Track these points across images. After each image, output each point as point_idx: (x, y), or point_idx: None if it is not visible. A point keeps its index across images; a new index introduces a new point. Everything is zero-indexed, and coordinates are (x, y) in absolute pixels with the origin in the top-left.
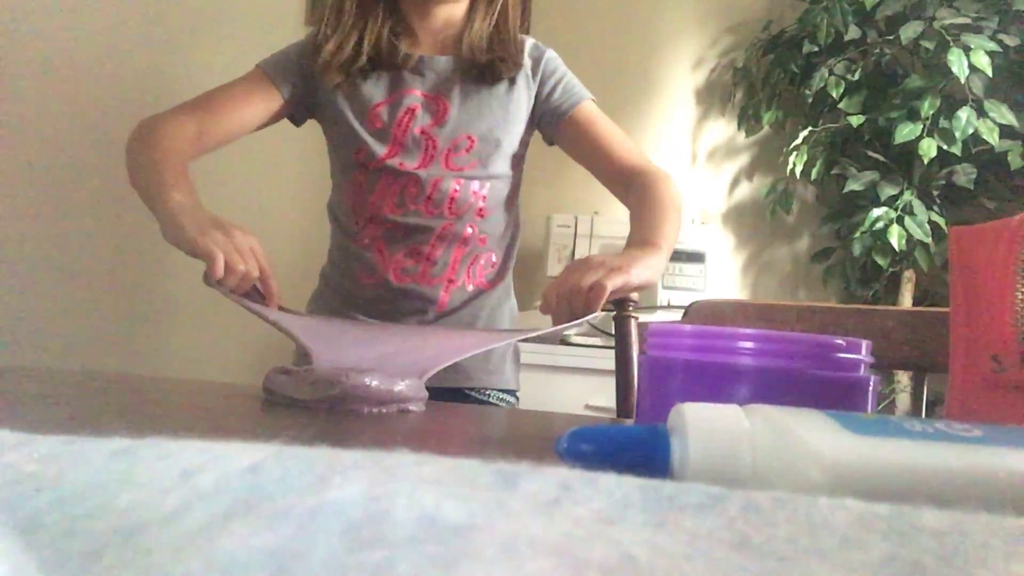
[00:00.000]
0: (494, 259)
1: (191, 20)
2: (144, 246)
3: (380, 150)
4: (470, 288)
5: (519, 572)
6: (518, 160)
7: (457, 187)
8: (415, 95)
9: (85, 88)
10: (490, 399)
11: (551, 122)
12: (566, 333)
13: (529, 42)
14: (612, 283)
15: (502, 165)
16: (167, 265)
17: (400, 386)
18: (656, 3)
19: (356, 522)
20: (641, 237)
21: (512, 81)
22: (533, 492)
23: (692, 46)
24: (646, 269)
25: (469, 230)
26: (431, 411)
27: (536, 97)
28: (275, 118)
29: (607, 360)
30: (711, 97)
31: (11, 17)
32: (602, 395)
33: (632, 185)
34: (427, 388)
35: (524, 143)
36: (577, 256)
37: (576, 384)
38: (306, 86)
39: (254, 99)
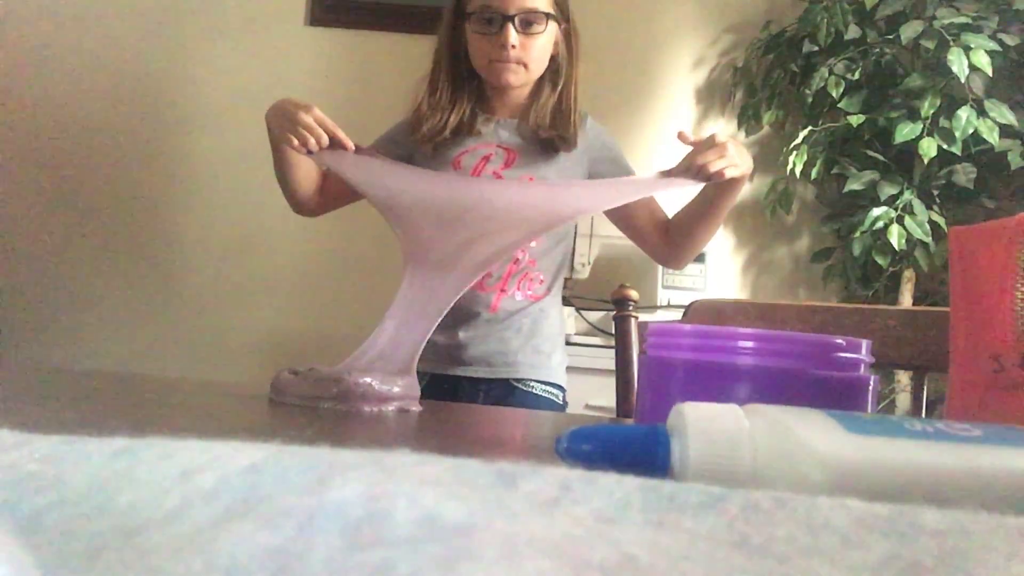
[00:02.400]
0: (543, 277)
1: (192, 21)
2: (145, 247)
3: None
4: (519, 297)
5: (519, 572)
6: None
7: None
8: (491, 147)
9: (88, 89)
10: (534, 391)
11: None
12: (565, 331)
13: (588, 121)
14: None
15: None
16: (168, 265)
17: (398, 387)
18: (656, 3)
19: (356, 522)
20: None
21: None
22: (533, 492)
23: (692, 46)
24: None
25: (521, 253)
26: (431, 411)
27: (588, 168)
28: None
29: (607, 360)
30: (711, 97)
31: (12, 17)
32: (602, 395)
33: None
34: (473, 378)
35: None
36: (577, 257)
37: (576, 384)
38: (408, 158)
39: None
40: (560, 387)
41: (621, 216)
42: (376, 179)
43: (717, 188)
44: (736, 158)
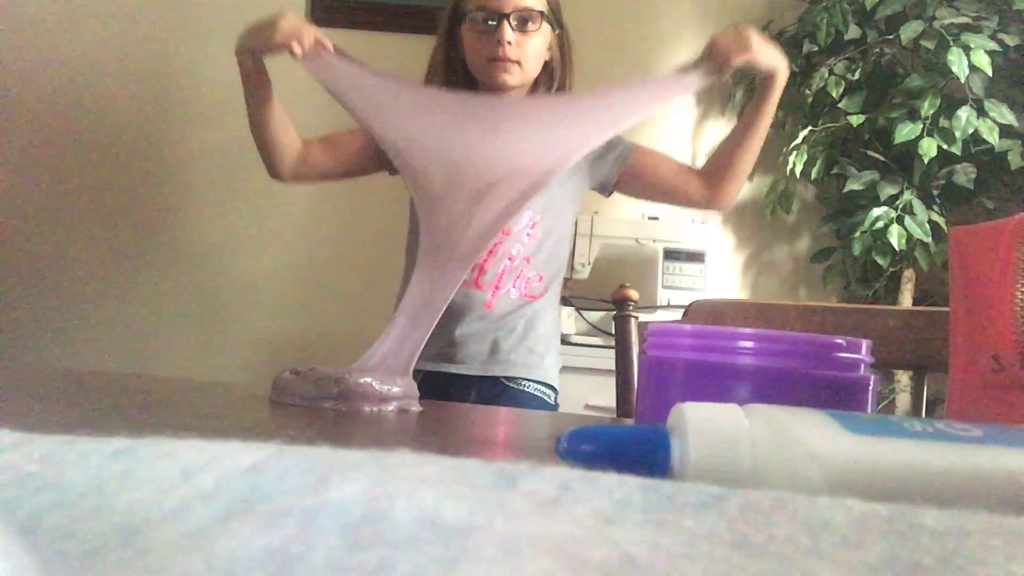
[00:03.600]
0: (540, 276)
1: (191, 20)
2: (144, 246)
3: None
4: (514, 295)
5: (519, 572)
6: (571, 209)
7: None
8: None
9: (86, 89)
10: (527, 389)
11: (607, 185)
12: (565, 332)
13: None
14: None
15: (558, 206)
16: (168, 266)
17: (398, 387)
18: (656, 3)
19: (356, 522)
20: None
21: None
22: (533, 492)
23: (692, 46)
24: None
25: (517, 249)
26: (431, 411)
27: (590, 170)
28: (368, 154)
29: (607, 360)
30: (711, 97)
31: (12, 17)
32: (602, 395)
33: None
34: (466, 375)
35: (576, 200)
36: (577, 256)
37: (576, 384)
38: None
39: (354, 137)
40: (553, 388)
41: (646, 182)
42: (376, 107)
43: (756, 98)
44: (762, 51)
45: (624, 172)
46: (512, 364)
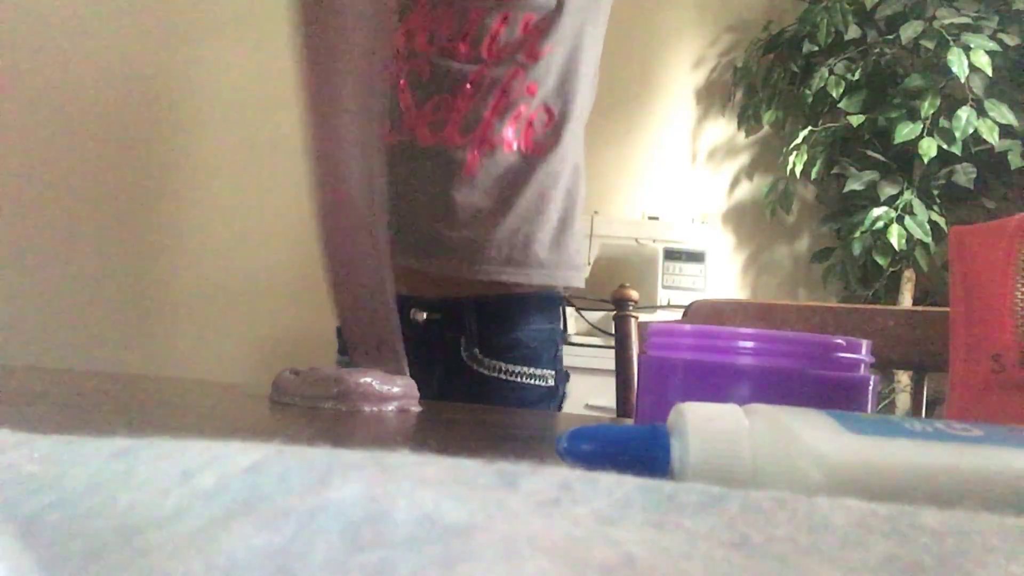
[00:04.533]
0: (548, 114)
1: (189, 19)
2: (145, 247)
3: None
4: (508, 151)
5: (519, 572)
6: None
7: (503, 21)
8: None
9: (86, 89)
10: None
11: None
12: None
13: None
14: None
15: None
16: (168, 266)
17: (398, 387)
18: (656, 3)
19: (356, 522)
20: None
21: None
22: (533, 492)
23: (692, 46)
24: None
25: (513, 76)
26: (431, 411)
27: None
28: None
29: (607, 360)
30: (711, 97)
31: (11, 18)
32: (602, 395)
33: None
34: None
35: None
36: None
37: (576, 384)
38: None
39: None
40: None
41: None
42: None
43: None
44: None
45: None
46: (506, 263)
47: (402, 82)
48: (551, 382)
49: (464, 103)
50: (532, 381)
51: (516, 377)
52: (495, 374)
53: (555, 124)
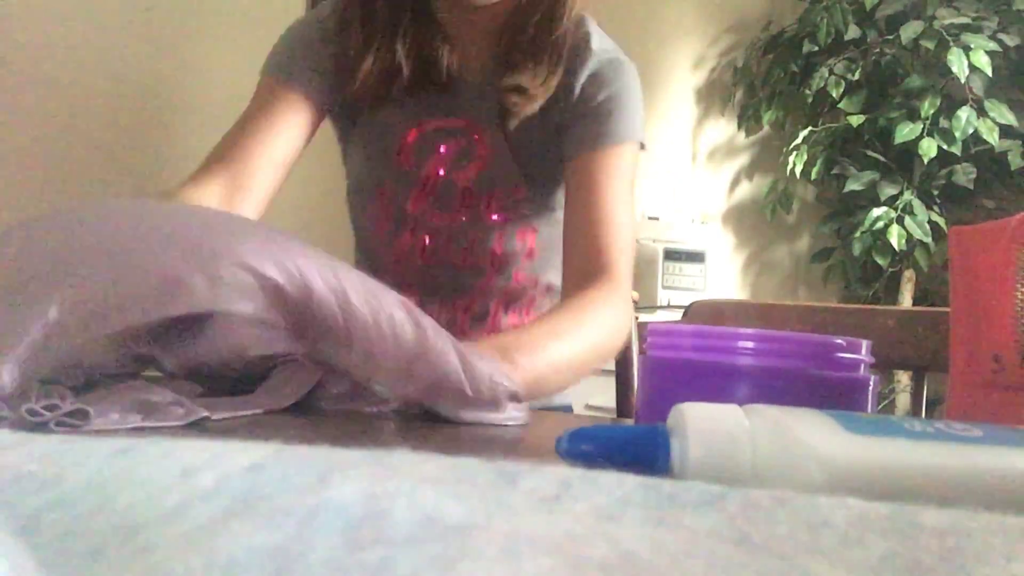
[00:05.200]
0: (550, 288)
1: (189, 18)
2: None
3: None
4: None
5: (519, 571)
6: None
7: (501, 238)
8: (453, 124)
9: (84, 88)
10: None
11: (567, 156)
12: None
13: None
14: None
15: (554, 195)
16: None
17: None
18: (656, 3)
19: (356, 521)
20: (506, 343)
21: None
22: (533, 490)
23: (692, 46)
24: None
25: (515, 276)
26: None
27: (566, 111)
28: (313, 125)
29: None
30: (711, 97)
31: (11, 17)
32: (602, 395)
33: (570, 286)
34: None
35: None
36: None
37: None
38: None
39: (282, 115)
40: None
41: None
42: None
43: None
44: None
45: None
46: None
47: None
48: None
49: (472, 302)
50: None
51: None
52: None
53: (557, 289)
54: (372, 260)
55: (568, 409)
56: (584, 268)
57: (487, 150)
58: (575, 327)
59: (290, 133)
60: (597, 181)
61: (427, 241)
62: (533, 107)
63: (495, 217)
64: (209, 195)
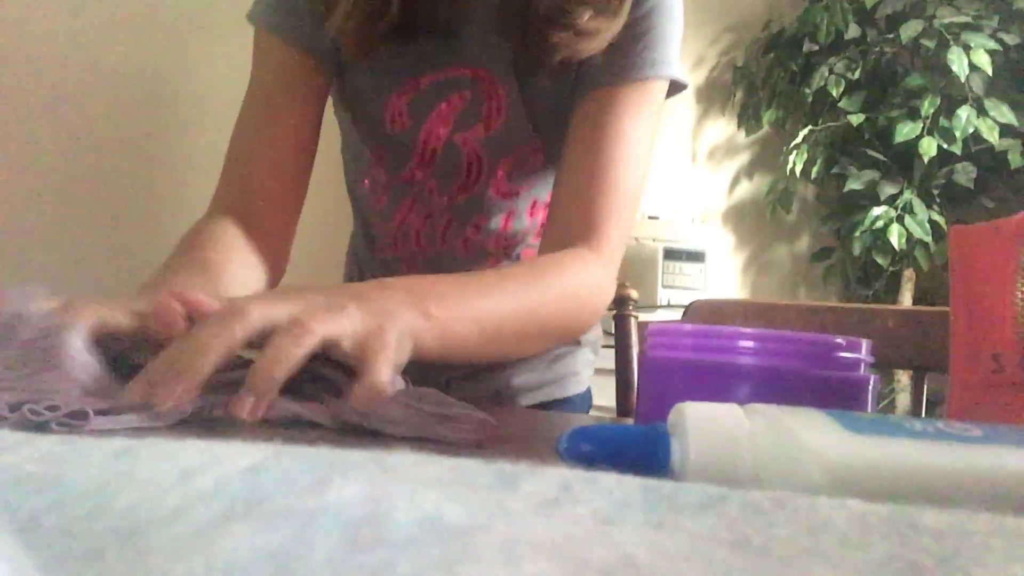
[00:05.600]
0: None
1: (189, 18)
2: (144, 246)
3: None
4: None
5: (519, 573)
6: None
7: (510, 217)
8: (459, 73)
9: (86, 89)
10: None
11: (579, 93)
12: None
13: None
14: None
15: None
16: None
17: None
18: None
19: (356, 523)
20: (439, 288)
21: None
22: (533, 492)
23: (692, 45)
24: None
25: (523, 257)
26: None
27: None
28: (323, 94)
29: (607, 360)
30: (711, 96)
31: (11, 17)
32: (602, 395)
33: (548, 243)
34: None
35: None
36: None
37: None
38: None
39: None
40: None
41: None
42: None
43: None
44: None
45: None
46: (554, 383)
47: (403, 262)
48: None
49: None
50: None
51: None
52: None
53: None
54: (369, 238)
55: (586, 397)
56: (567, 229)
57: (498, 106)
58: (520, 286)
59: (307, 112)
60: (606, 124)
61: (427, 217)
62: (594, 45)
63: (505, 188)
64: (231, 234)
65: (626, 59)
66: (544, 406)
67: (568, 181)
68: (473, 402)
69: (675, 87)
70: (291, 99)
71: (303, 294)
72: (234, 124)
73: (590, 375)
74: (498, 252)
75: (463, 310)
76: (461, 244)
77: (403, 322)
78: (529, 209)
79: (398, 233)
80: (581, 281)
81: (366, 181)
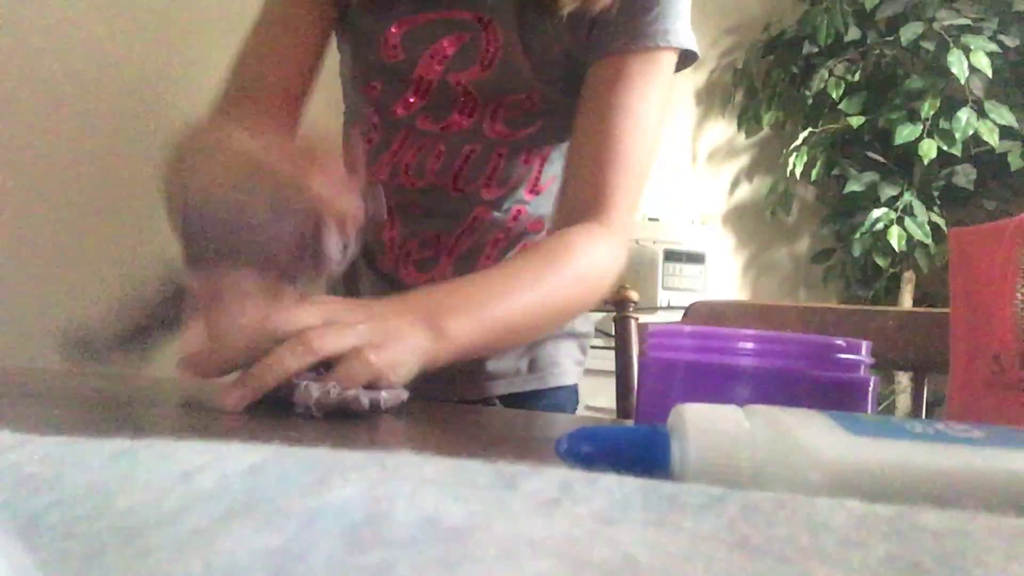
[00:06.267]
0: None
1: (190, 17)
2: (144, 246)
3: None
4: None
5: (519, 573)
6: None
7: (501, 159)
8: (459, 16)
9: (86, 88)
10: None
11: (589, 61)
12: None
13: None
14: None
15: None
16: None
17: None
18: None
19: (356, 523)
20: (454, 299)
21: None
22: (533, 492)
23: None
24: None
25: (516, 216)
26: (431, 411)
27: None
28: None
29: (607, 361)
30: (711, 98)
31: (11, 17)
32: (602, 396)
33: (560, 218)
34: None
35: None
36: None
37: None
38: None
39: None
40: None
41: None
42: None
43: None
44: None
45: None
46: (541, 373)
47: (388, 216)
48: None
49: (461, 243)
50: None
51: None
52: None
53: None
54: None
55: (571, 393)
56: (578, 202)
57: (497, 50)
58: (535, 278)
59: (312, 30)
60: (616, 95)
61: (417, 151)
62: (602, 2)
63: (499, 130)
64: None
65: (636, 28)
66: (523, 397)
67: (579, 154)
68: (446, 382)
69: (686, 59)
70: (297, 17)
71: (360, 328)
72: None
73: (578, 372)
74: (489, 198)
75: (478, 319)
76: (451, 182)
77: (412, 343)
78: (524, 156)
79: (390, 172)
80: (592, 261)
81: (357, 120)
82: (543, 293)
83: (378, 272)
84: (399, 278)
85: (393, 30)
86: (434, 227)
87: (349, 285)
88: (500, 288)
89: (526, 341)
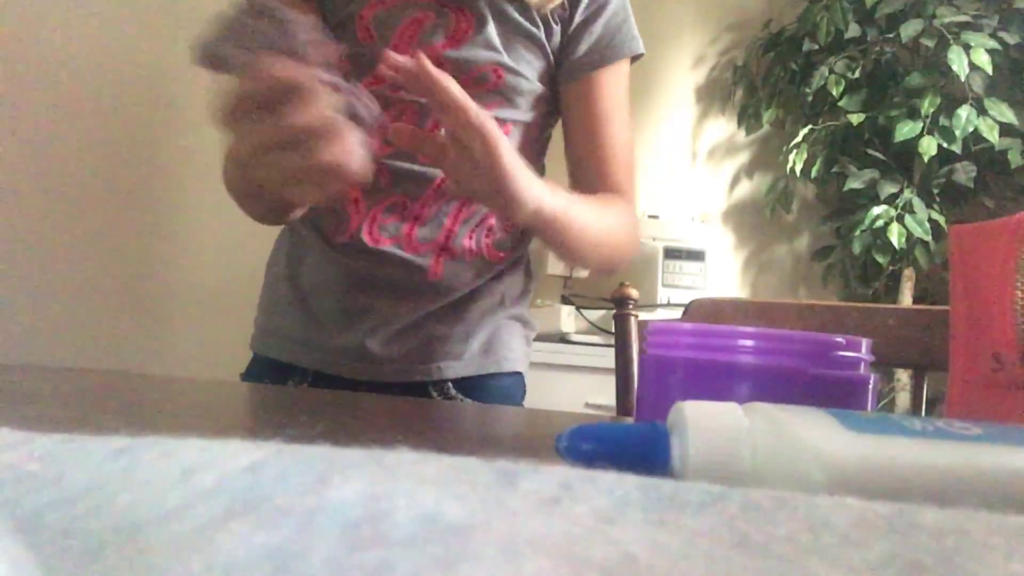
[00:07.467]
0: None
1: (189, 17)
2: (144, 245)
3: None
4: (471, 259)
5: (519, 572)
6: (544, 102)
7: None
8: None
9: (85, 88)
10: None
11: (565, 79)
12: (565, 330)
13: None
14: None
15: (529, 98)
16: (167, 264)
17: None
18: (656, 2)
19: (356, 521)
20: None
21: None
22: (533, 491)
23: (692, 44)
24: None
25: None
26: (431, 411)
27: (563, 34)
28: None
29: (607, 358)
30: (711, 95)
31: (12, 17)
32: (602, 393)
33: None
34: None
35: (551, 81)
36: None
37: (576, 382)
38: None
39: None
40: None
41: (567, 151)
42: None
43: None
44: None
45: (571, 88)
46: (477, 363)
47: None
48: None
49: (426, 209)
50: None
51: None
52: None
53: (511, 231)
54: None
55: (519, 382)
56: (593, 190)
57: (466, 29)
58: (600, 207)
59: None
60: (595, 105)
61: (387, 114)
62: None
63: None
64: None
65: (606, 48)
66: (475, 380)
67: (579, 167)
68: (399, 363)
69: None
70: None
71: None
72: None
73: (525, 363)
74: None
75: (565, 204)
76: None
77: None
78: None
79: None
80: (631, 222)
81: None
82: (606, 219)
83: (332, 245)
84: (363, 240)
85: (364, 13)
86: (401, 192)
87: (292, 261)
88: (576, 199)
89: (583, 251)
